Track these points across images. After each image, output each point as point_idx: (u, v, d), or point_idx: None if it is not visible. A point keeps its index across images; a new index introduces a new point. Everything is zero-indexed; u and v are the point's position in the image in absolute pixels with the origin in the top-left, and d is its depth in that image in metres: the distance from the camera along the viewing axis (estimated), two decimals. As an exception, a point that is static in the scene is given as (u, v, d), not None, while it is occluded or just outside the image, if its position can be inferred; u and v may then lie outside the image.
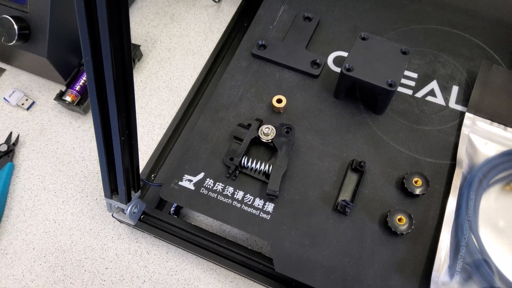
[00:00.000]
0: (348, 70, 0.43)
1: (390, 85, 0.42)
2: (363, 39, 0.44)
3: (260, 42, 0.50)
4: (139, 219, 0.45)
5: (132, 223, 0.44)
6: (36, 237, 0.47)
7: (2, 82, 0.57)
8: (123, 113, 0.34)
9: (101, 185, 0.50)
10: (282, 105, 0.45)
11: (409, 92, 0.48)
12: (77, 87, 0.52)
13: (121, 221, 0.46)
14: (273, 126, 0.43)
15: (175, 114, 0.52)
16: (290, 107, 0.47)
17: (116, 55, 0.31)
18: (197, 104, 0.53)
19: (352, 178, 0.42)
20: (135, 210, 0.43)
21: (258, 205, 0.41)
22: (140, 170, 0.48)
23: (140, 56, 0.58)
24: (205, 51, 0.58)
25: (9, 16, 0.47)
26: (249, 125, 0.44)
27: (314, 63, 0.49)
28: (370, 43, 0.44)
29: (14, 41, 0.48)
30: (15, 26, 0.47)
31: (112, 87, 0.32)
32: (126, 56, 0.32)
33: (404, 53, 0.44)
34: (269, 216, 0.41)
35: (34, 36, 0.49)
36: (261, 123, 0.44)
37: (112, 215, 0.45)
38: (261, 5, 0.54)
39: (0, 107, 0.55)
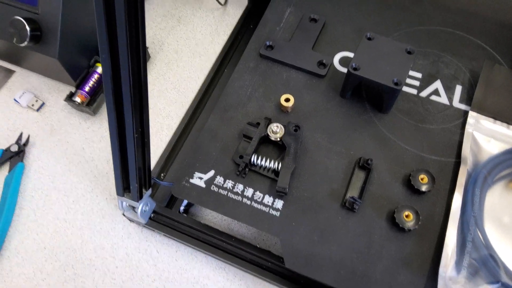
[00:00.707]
0: (355, 69, 0.44)
1: (396, 84, 0.43)
2: (369, 39, 0.45)
3: (267, 43, 0.51)
4: (149, 218, 0.45)
5: (143, 222, 0.44)
6: (47, 236, 0.47)
7: (12, 84, 0.58)
8: (137, 110, 0.35)
9: (111, 185, 0.50)
10: (290, 104, 0.46)
11: (414, 91, 0.49)
12: (87, 88, 0.53)
13: (131, 220, 0.47)
14: (282, 125, 0.44)
15: (183, 115, 0.53)
16: (297, 106, 0.48)
17: (132, 52, 0.31)
18: (204, 105, 0.54)
19: (359, 175, 0.43)
20: (146, 209, 0.44)
21: (268, 202, 0.42)
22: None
23: (148, 58, 0.58)
24: (212, 53, 0.59)
25: (21, 17, 0.48)
26: (258, 124, 0.45)
27: (320, 63, 0.50)
28: (376, 43, 0.45)
29: (25, 43, 0.49)
30: (27, 28, 0.48)
31: (128, 84, 0.33)
32: (142, 53, 0.33)
33: (409, 52, 0.44)
34: (278, 213, 0.41)
35: (45, 38, 0.50)
36: (269, 121, 0.45)
37: (123, 214, 0.46)
38: (267, 7, 0.55)
39: (10, 108, 0.56)
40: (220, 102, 0.48)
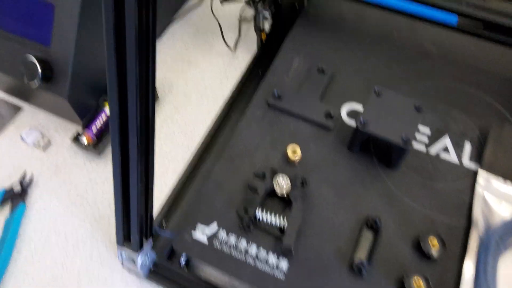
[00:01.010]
0: (363, 124, 0.43)
1: (405, 142, 0.42)
2: (377, 94, 0.45)
3: (275, 93, 0.51)
4: (149, 270, 0.44)
5: (142, 274, 0.43)
6: (43, 282, 0.46)
7: (19, 120, 0.58)
8: (143, 159, 0.34)
9: (112, 229, 0.49)
10: (297, 157, 0.46)
11: (423, 147, 0.48)
12: (94, 129, 0.53)
13: (130, 270, 0.45)
14: (288, 178, 0.43)
15: (189, 158, 0.53)
16: (304, 158, 0.47)
17: (141, 94, 0.30)
18: (211, 150, 0.53)
19: (367, 235, 0.42)
20: (146, 261, 0.43)
21: (272, 261, 0.40)
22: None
23: (156, 98, 0.59)
24: (220, 97, 0.59)
25: (34, 56, 0.48)
26: (264, 176, 0.44)
27: (328, 115, 0.50)
28: (384, 98, 0.45)
29: (35, 82, 0.49)
30: (38, 68, 0.48)
31: (135, 133, 0.32)
32: (150, 101, 0.32)
33: (417, 108, 0.44)
34: (283, 276, 0.40)
35: (56, 78, 0.50)
36: (276, 174, 0.44)
37: (122, 263, 0.44)
38: (277, 56, 0.56)
39: (16, 145, 0.55)
40: (228, 151, 0.48)
